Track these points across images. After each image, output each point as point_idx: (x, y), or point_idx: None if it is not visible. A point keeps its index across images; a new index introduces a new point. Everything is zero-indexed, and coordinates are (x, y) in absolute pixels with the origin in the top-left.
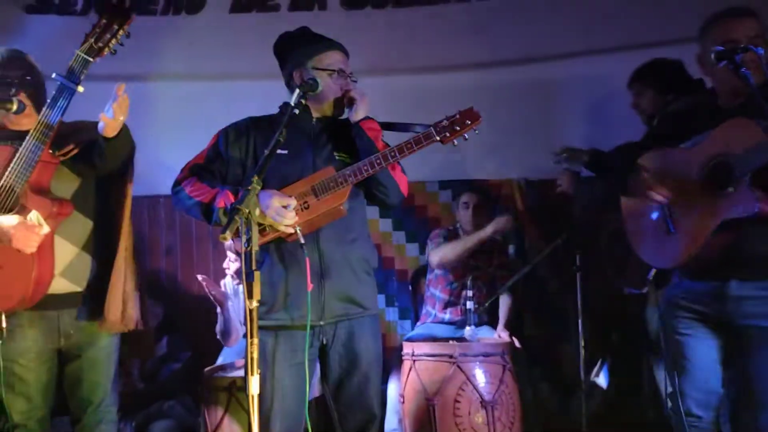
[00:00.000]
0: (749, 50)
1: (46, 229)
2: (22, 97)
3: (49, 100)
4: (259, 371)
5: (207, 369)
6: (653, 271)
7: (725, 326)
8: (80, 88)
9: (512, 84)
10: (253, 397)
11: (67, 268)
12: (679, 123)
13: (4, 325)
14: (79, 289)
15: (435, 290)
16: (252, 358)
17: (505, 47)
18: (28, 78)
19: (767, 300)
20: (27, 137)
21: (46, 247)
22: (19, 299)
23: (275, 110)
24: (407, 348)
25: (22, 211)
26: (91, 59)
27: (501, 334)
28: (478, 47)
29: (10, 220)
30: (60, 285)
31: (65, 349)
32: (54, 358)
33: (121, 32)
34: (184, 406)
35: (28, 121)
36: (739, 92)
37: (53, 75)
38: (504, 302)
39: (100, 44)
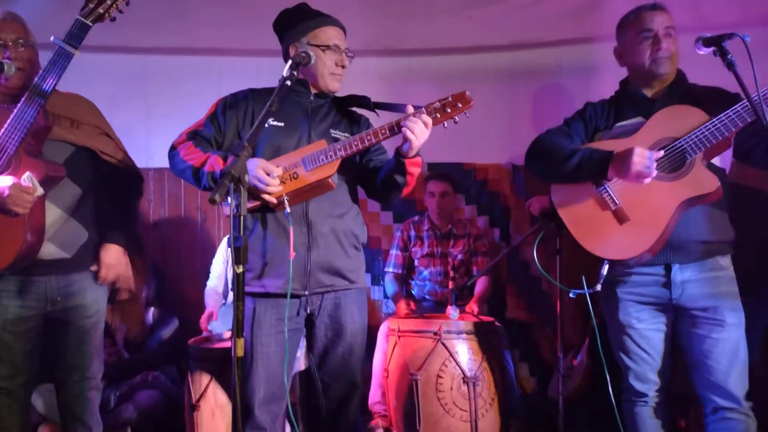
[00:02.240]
0: (735, 36)
1: (39, 190)
2: (15, 59)
3: (46, 64)
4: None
5: (192, 340)
6: (606, 267)
7: (672, 310)
8: (77, 53)
9: (502, 69)
10: (238, 358)
11: (56, 234)
12: (605, 110)
13: None
14: (67, 255)
15: (422, 270)
16: (238, 321)
17: (497, 32)
18: (21, 41)
19: (709, 281)
20: (22, 100)
21: (38, 210)
22: (9, 262)
23: (265, 85)
24: (393, 324)
25: (16, 172)
26: (90, 24)
27: (473, 307)
28: (470, 31)
29: (4, 181)
30: (48, 250)
31: (51, 315)
32: (40, 324)
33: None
34: (168, 376)
35: (22, 84)
36: (661, 80)
37: (52, 38)
38: (480, 281)
39: (100, 10)
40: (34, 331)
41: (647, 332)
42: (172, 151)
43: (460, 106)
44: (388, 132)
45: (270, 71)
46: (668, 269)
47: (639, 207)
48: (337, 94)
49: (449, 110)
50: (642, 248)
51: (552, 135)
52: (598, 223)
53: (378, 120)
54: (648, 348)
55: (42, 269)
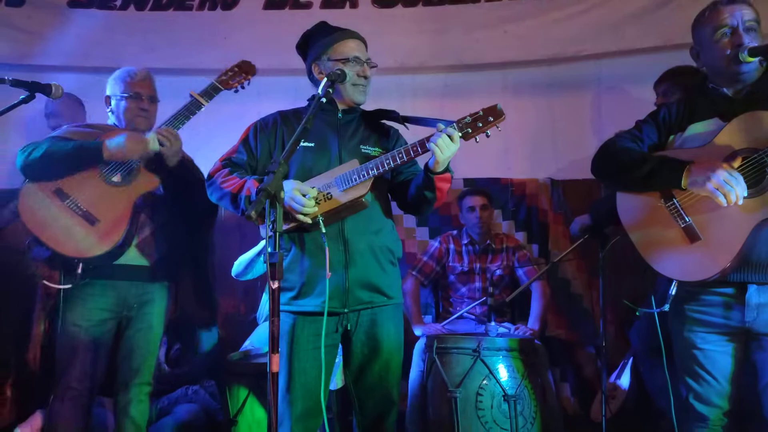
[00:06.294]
0: None
1: (154, 145)
2: (146, 111)
3: (180, 109)
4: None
5: (231, 355)
6: (674, 287)
7: (744, 333)
8: (205, 105)
9: (540, 84)
10: (273, 374)
11: (143, 242)
12: (679, 111)
13: (80, 271)
14: (146, 263)
15: (460, 287)
16: (274, 337)
17: (535, 47)
18: (151, 96)
19: None
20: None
21: (128, 216)
22: (104, 251)
23: (304, 104)
24: (430, 341)
25: (136, 181)
26: (222, 88)
27: (534, 327)
28: (507, 46)
29: (119, 136)
30: (131, 254)
31: (125, 320)
32: (114, 329)
33: (245, 79)
34: (208, 391)
35: (145, 129)
36: (738, 80)
37: (190, 92)
38: (536, 297)
39: (231, 81)
40: (109, 336)
41: (714, 354)
42: (209, 179)
43: (492, 119)
44: (419, 149)
45: (308, 90)
46: (743, 289)
47: (711, 225)
48: (365, 108)
49: (480, 124)
50: (714, 270)
51: (621, 139)
52: (665, 240)
53: (408, 132)
54: (714, 371)
55: (124, 274)
